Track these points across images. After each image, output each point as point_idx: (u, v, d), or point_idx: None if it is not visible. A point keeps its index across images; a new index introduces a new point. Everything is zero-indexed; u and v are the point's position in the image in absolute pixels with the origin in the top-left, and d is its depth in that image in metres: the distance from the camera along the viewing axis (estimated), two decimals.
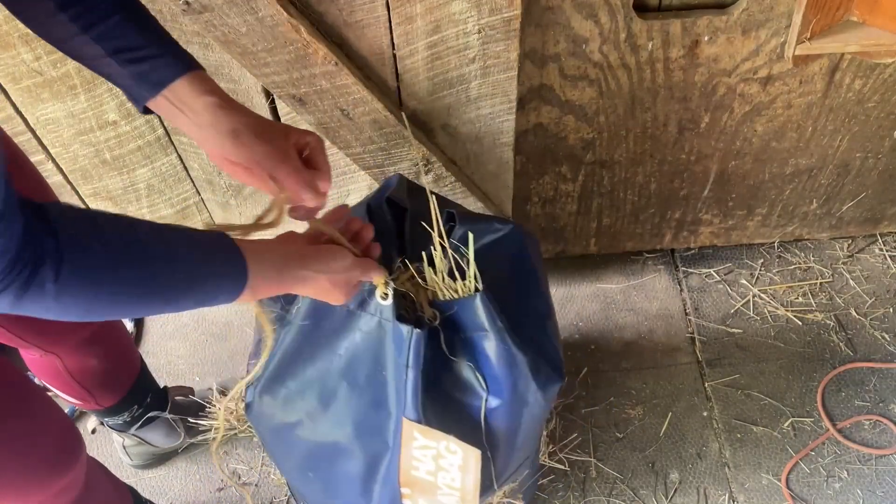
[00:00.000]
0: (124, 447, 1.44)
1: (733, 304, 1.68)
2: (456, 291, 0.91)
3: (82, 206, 1.33)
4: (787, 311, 1.67)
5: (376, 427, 0.97)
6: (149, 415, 1.36)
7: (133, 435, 1.39)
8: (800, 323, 1.65)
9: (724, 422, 1.53)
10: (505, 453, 1.03)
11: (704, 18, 1.21)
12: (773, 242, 1.76)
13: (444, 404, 0.93)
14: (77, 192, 1.38)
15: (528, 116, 1.35)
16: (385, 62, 1.16)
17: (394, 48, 1.14)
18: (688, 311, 1.68)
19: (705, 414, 1.54)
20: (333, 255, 0.81)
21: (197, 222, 1.47)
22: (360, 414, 0.97)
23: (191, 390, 1.52)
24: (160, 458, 1.48)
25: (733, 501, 1.43)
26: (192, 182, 1.38)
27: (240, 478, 1.47)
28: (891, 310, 1.67)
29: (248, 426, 1.48)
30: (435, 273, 0.91)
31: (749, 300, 1.69)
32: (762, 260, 1.75)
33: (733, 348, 1.62)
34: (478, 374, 0.93)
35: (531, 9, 1.16)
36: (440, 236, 0.89)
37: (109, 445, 1.51)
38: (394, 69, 1.17)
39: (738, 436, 1.51)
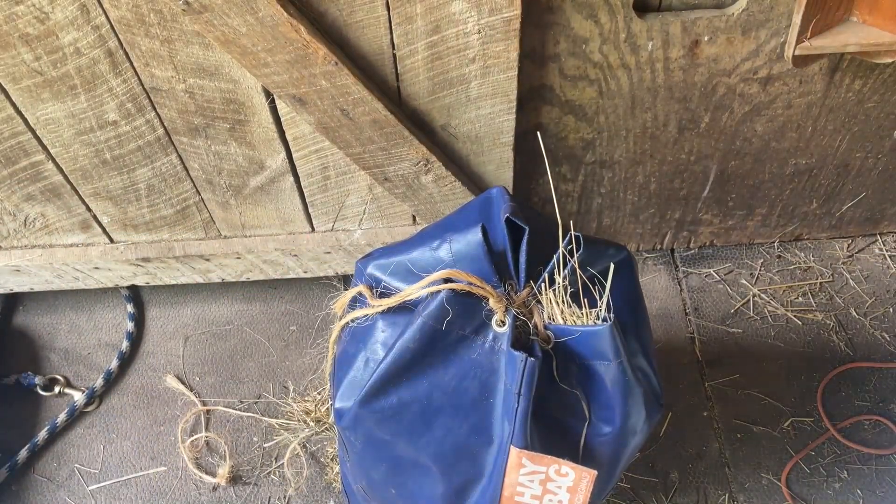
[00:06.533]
0: None
1: (733, 304, 1.68)
2: (579, 318, 0.90)
3: None
4: (787, 311, 1.67)
5: (473, 454, 0.95)
6: None
7: None
8: (800, 323, 1.65)
9: (724, 422, 1.53)
10: (604, 480, 1.01)
11: (704, 18, 1.21)
12: (773, 242, 1.76)
13: (549, 427, 0.92)
14: (77, 192, 1.38)
15: (528, 116, 1.36)
16: (385, 62, 1.16)
17: (394, 48, 1.14)
18: (688, 311, 1.68)
19: (705, 414, 1.54)
20: None
21: (197, 222, 1.47)
22: (460, 439, 0.95)
23: None
24: None
25: (733, 501, 1.43)
26: (192, 182, 1.38)
27: (241, 478, 1.47)
28: (891, 310, 1.67)
29: (325, 429, 1.51)
30: (557, 298, 0.90)
31: (749, 300, 1.69)
32: (762, 260, 1.75)
33: (733, 348, 1.62)
34: (587, 400, 0.92)
35: (531, 9, 1.16)
36: (565, 261, 0.88)
37: (105, 445, 1.52)
38: (394, 69, 1.17)
39: (738, 436, 1.51)
